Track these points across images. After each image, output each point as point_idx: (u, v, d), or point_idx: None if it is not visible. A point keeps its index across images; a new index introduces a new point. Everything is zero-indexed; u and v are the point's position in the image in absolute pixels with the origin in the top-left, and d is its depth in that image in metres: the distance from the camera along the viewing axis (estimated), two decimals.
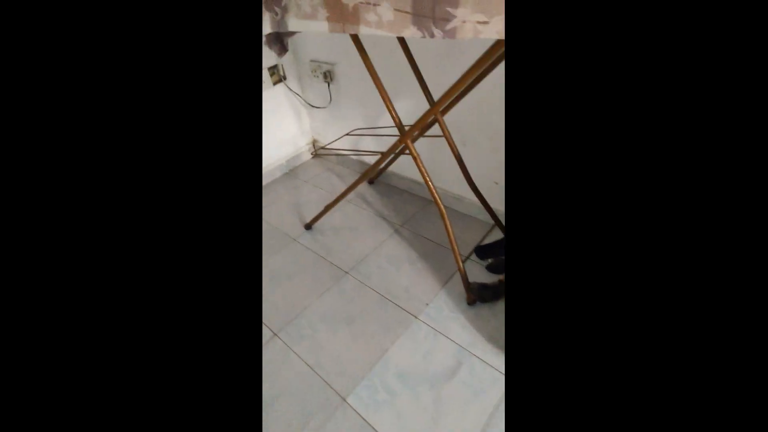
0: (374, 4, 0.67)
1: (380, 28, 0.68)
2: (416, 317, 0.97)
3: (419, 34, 0.64)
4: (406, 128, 0.88)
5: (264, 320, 1.01)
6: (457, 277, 1.06)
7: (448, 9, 0.58)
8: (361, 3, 0.68)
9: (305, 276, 1.13)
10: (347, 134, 1.24)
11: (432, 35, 0.62)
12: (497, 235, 1.16)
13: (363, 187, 1.48)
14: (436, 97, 0.99)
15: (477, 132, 1.09)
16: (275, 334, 0.97)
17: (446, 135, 0.98)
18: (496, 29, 0.56)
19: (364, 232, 1.26)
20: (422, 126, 0.84)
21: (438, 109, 0.81)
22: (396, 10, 0.64)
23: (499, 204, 1.12)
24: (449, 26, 0.59)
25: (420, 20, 0.62)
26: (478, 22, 0.56)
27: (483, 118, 1.05)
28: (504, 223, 1.12)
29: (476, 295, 0.96)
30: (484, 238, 1.17)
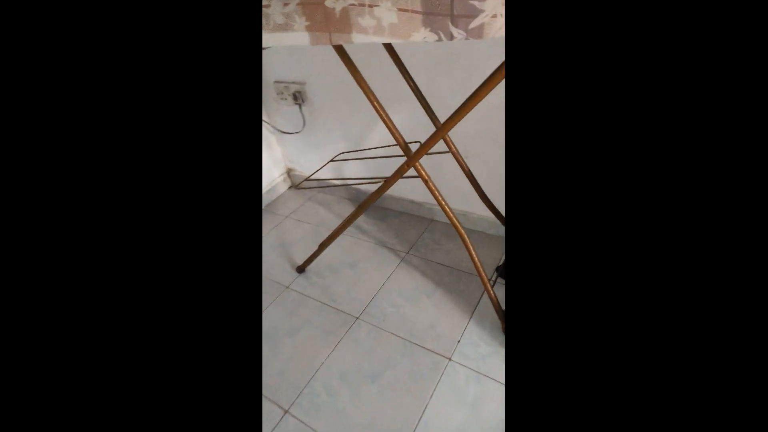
0: (370, 5, 0.55)
1: (380, 34, 0.57)
2: (450, 359, 0.85)
3: (433, 37, 0.53)
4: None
5: (269, 395, 0.84)
6: (484, 304, 0.95)
7: (473, 2, 0.47)
8: (352, 5, 0.56)
9: (309, 330, 0.97)
10: (333, 160, 1.11)
11: (450, 37, 0.51)
12: None
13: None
14: (434, 108, 0.89)
15: (479, 143, 0.99)
16: (287, 411, 0.81)
17: (453, 151, 0.88)
18: None
19: (367, 267, 1.12)
20: (430, 148, 0.73)
21: (446, 131, 0.70)
22: (401, 10, 0.53)
23: None
24: (474, 23, 0.49)
25: (434, 20, 0.51)
26: None
27: (484, 127, 0.96)
28: None
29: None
30: (502, 255, 1.07)
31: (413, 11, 0.52)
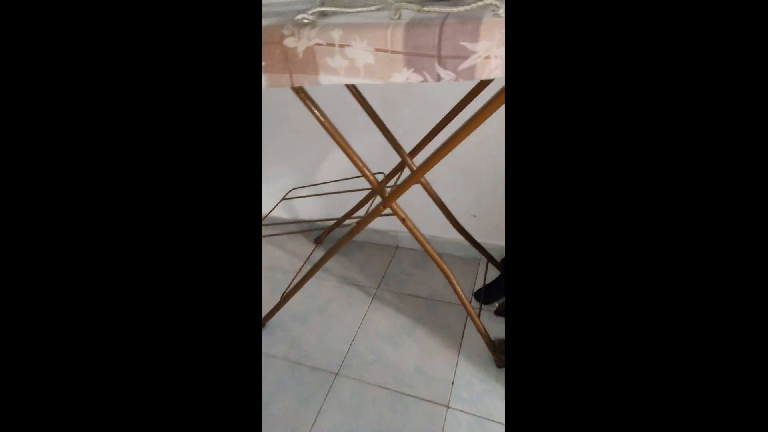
0: (341, 45, 0.47)
1: (353, 75, 0.49)
2: (448, 406, 0.79)
3: (417, 78, 0.47)
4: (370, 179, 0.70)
5: None
6: (470, 336, 0.91)
7: (464, 44, 0.42)
8: (319, 45, 0.48)
9: (284, 398, 0.85)
10: (285, 198, 0.99)
11: (437, 78, 0.46)
12: (491, 273, 1.05)
13: (310, 250, 1.23)
14: (396, 136, 0.83)
15: (444, 166, 0.96)
16: None
17: (423, 183, 0.83)
18: None
19: (337, 311, 1.03)
20: (406, 189, 0.67)
21: (423, 173, 0.65)
22: (378, 50, 0.46)
23: (482, 237, 1.01)
24: (465, 65, 0.44)
25: (418, 61, 0.45)
26: None
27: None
28: (494, 258, 1.01)
29: (504, 354, 0.82)
30: (476, 278, 1.05)
31: (393, 51, 0.46)
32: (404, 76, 0.47)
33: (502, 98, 0.50)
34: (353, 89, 0.80)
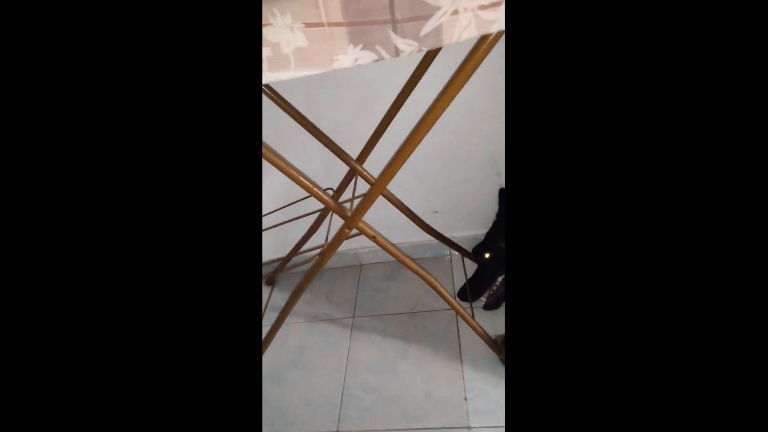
0: None
1: (281, 67, 0.37)
2: (469, 427, 0.70)
3: (370, 57, 0.36)
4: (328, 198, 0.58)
5: None
6: (467, 339, 0.83)
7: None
8: None
9: None
10: None
11: (395, 52, 0.36)
12: (468, 267, 0.98)
13: (266, 294, 1.05)
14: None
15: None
16: None
17: (386, 194, 0.73)
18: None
19: (315, 357, 0.88)
20: (370, 205, 0.57)
21: (385, 184, 0.56)
22: (310, 25, 0.34)
23: (449, 232, 0.94)
24: (428, 27, 0.34)
25: (367, 32, 0.35)
26: (482, 7, 0.33)
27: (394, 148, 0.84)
28: (467, 250, 0.95)
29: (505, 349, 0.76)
30: (453, 276, 0.97)
31: (331, 24, 0.34)
32: (352, 57, 0.36)
33: (471, 68, 0.41)
34: (268, 90, 0.67)
